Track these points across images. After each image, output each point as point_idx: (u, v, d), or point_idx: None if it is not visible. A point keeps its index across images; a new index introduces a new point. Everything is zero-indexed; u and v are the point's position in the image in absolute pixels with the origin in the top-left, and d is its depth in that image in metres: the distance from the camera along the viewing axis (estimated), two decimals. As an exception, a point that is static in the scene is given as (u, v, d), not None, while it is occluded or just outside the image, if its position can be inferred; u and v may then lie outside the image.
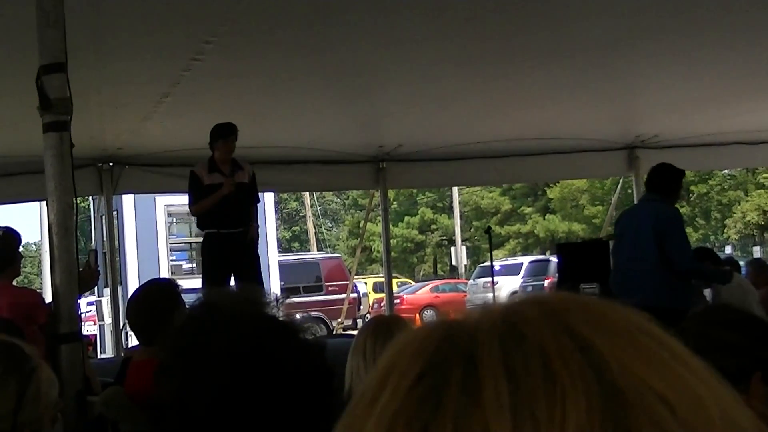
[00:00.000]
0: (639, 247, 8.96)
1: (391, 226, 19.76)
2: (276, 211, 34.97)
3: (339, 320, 24.77)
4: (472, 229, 62.91)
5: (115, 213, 19.00)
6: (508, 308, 0.80)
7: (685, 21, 8.77)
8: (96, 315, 25.80)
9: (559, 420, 0.69)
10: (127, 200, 26.55)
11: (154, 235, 28.83)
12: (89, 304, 26.65)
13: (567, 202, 57.47)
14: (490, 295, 25.31)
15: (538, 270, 37.20)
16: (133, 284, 21.55)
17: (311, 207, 61.69)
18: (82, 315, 18.47)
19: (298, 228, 69.61)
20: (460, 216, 58.91)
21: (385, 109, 12.47)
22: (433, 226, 65.35)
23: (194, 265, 31.80)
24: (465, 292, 39.33)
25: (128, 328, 5.64)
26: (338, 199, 76.63)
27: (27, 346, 3.26)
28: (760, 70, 11.01)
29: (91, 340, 22.48)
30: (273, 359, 1.85)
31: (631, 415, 0.70)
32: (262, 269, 10.86)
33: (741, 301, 9.52)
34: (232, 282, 10.17)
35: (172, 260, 29.92)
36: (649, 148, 15.24)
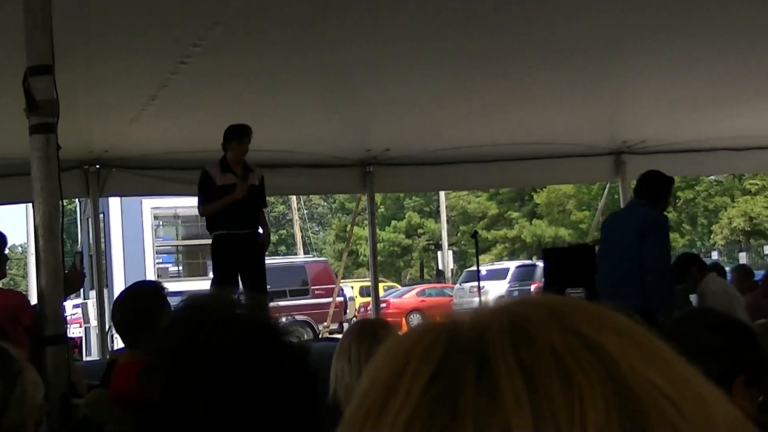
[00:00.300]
0: (624, 250, 8.96)
1: (377, 230, 19.74)
2: (263, 215, 34.82)
3: (325, 324, 24.73)
4: (458, 234, 62.90)
5: (101, 215, 18.97)
6: (510, 310, 0.80)
7: (671, 27, 8.79)
8: (82, 317, 25.75)
9: (579, 419, 0.70)
10: (114, 203, 26.55)
11: (140, 237, 28.82)
12: (75, 306, 26.58)
13: (554, 207, 57.53)
14: (477, 299, 25.31)
15: (525, 275, 37.19)
16: (119, 287, 21.47)
17: (298, 210, 61.58)
18: (68, 317, 18.44)
19: (284, 231, 69.51)
20: (447, 220, 58.89)
21: (373, 113, 12.49)
22: (420, 231, 65.34)
23: (180, 268, 31.80)
24: (451, 296, 39.32)
25: (114, 331, 5.63)
26: (325, 203, 76.58)
27: (12, 348, 3.25)
28: (746, 76, 11.04)
29: (76, 343, 22.39)
30: (257, 361, 1.86)
31: (646, 414, 0.71)
32: None
33: (726, 307, 9.54)
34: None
35: (158, 263, 29.91)
36: (635, 153, 15.27)
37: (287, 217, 64.69)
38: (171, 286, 6.46)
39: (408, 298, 40.54)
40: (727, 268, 12.83)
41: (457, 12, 8.08)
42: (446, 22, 8.31)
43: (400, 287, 48.47)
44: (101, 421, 4.91)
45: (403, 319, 35.88)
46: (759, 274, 14.12)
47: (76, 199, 23.63)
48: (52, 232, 5.34)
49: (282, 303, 25.29)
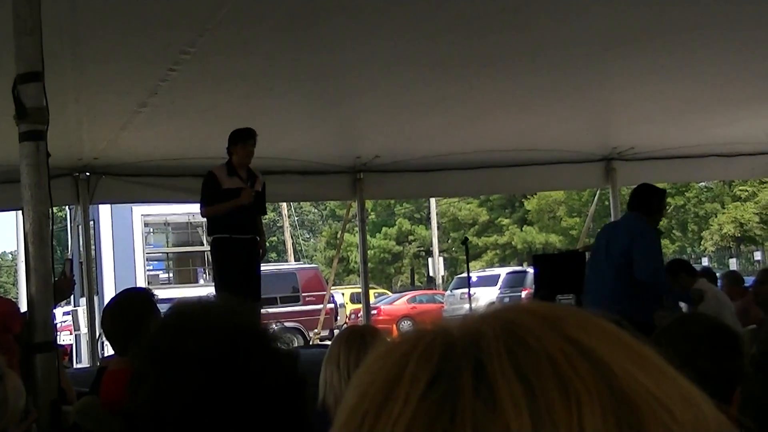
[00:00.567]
0: (614, 259, 9.00)
1: (368, 236, 19.74)
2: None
3: (316, 331, 24.72)
4: (449, 241, 62.92)
5: (91, 223, 18.93)
6: (501, 316, 0.80)
7: (660, 33, 8.80)
8: (72, 325, 25.69)
9: (576, 423, 0.70)
10: (104, 210, 26.55)
11: (130, 244, 28.79)
12: (65, 313, 26.53)
13: (544, 214, 57.59)
14: (467, 306, 25.31)
15: (516, 281, 37.22)
16: (109, 294, 21.45)
17: (288, 217, 61.53)
18: (58, 325, 18.40)
19: (275, 238, 69.43)
20: (438, 227, 58.92)
21: (363, 120, 12.48)
22: (411, 237, 65.36)
23: (171, 275, 31.77)
24: (442, 303, 39.32)
25: (104, 338, 5.62)
26: (316, 210, 76.54)
27: (-6, 355, 3.24)
28: (736, 83, 11.06)
29: (67, 350, 22.34)
30: (245, 366, 1.86)
31: (641, 418, 0.72)
32: None
33: (716, 314, 9.54)
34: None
35: (148, 270, 29.90)
36: (625, 160, 15.29)
37: (278, 224, 64.63)
38: (161, 293, 6.48)
39: (399, 305, 40.52)
40: (717, 274, 12.84)
41: (446, 19, 8.08)
42: (435, 29, 8.31)
43: (390, 294, 48.46)
44: (91, 428, 4.90)
45: (394, 325, 35.88)
46: (749, 280, 14.12)
47: (67, 206, 23.61)
48: (41, 239, 5.33)
49: (272, 310, 25.28)
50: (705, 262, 47.49)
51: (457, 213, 62.08)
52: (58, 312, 21.26)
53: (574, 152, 14.84)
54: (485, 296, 34.34)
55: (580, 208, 52.21)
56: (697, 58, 9.82)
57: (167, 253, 32.03)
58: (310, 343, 24.91)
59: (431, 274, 56.48)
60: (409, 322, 36.73)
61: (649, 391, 0.74)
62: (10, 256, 69.58)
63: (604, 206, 23.24)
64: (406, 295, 44.41)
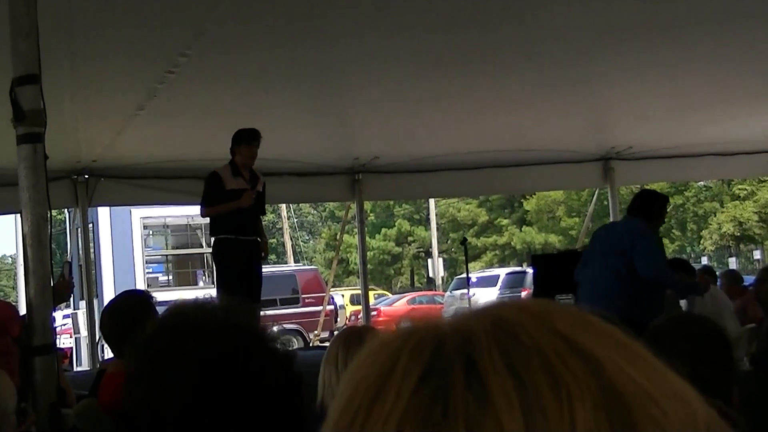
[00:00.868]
0: (612, 259, 8.99)
1: (367, 238, 19.76)
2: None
3: (316, 332, 24.68)
4: (449, 241, 62.88)
5: (90, 225, 18.92)
6: (492, 313, 0.80)
7: (658, 32, 8.81)
8: (72, 328, 25.67)
9: (568, 418, 0.71)
10: (103, 212, 26.52)
11: (129, 247, 28.78)
12: (65, 316, 26.50)
13: (543, 214, 57.57)
14: (467, 306, 25.27)
15: (515, 282, 37.18)
16: (108, 297, 21.35)
17: (288, 219, 61.55)
18: (58, 328, 18.38)
19: (274, 240, 69.37)
20: (437, 228, 58.89)
21: (361, 121, 12.49)
22: (410, 238, 65.30)
23: (170, 277, 31.76)
24: (442, 304, 39.29)
25: (104, 341, 5.62)
26: (315, 211, 76.49)
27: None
28: (733, 81, 11.07)
29: (66, 353, 22.32)
30: (242, 366, 1.86)
31: (632, 414, 0.72)
32: None
33: (715, 313, 9.55)
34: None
35: (148, 272, 29.87)
36: (623, 159, 15.29)
37: (277, 226, 64.59)
38: (160, 295, 6.47)
39: (398, 306, 40.47)
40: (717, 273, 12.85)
41: (444, 18, 8.09)
42: (432, 28, 8.32)
43: (390, 295, 48.47)
44: (90, 431, 4.90)
45: (394, 327, 35.79)
46: (748, 279, 14.13)
47: (65, 209, 23.61)
48: (40, 242, 5.33)
49: (272, 311, 25.26)
50: (704, 261, 47.51)
51: (456, 214, 62.05)
52: (58, 315, 21.25)
53: (572, 152, 14.85)
54: (485, 297, 34.28)
55: (579, 208, 52.16)
56: (694, 56, 9.82)
57: (166, 255, 31.99)
58: (310, 344, 24.89)
59: (431, 275, 56.42)
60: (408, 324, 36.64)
61: (641, 387, 0.74)
62: (10, 259, 69.53)
63: (603, 206, 23.21)
64: (405, 296, 44.41)
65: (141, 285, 27.36)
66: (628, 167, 15.28)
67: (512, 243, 59.26)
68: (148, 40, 8.06)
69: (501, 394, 0.72)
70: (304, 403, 1.94)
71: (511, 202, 60.78)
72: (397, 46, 8.76)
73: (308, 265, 42.13)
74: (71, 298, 17.26)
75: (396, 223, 65.06)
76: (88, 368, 15.21)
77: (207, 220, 11.07)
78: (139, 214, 28.15)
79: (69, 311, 25.93)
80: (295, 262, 52.87)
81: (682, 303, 10.49)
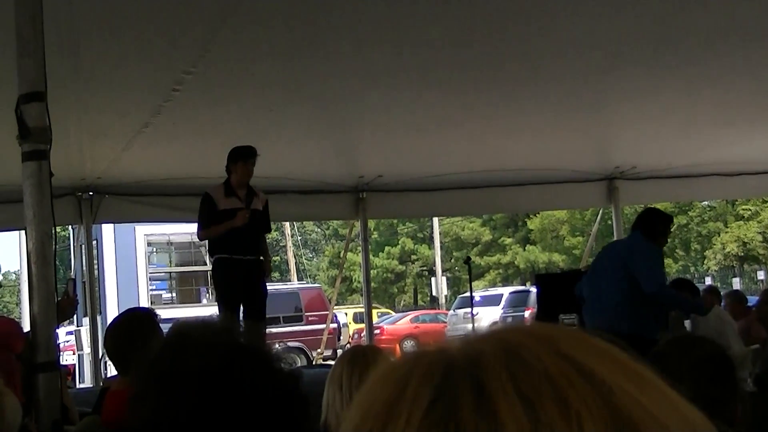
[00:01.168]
0: (615, 276, 9.00)
1: (371, 256, 19.75)
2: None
3: (319, 350, 24.68)
4: (452, 260, 62.87)
5: (94, 242, 18.93)
6: (500, 337, 0.81)
7: (662, 54, 8.82)
8: (75, 344, 25.66)
9: None
10: (107, 229, 26.49)
11: (133, 264, 28.75)
12: (68, 333, 26.51)
13: (547, 233, 57.53)
14: (470, 326, 25.27)
15: (519, 301, 37.09)
16: (112, 314, 21.43)
17: (291, 237, 61.52)
18: (61, 344, 18.38)
19: (278, 258, 69.36)
20: (441, 246, 58.84)
21: (365, 139, 12.49)
22: (414, 257, 65.25)
23: (174, 294, 31.74)
24: (445, 322, 39.21)
25: (107, 358, 5.61)
26: (319, 229, 76.48)
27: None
28: (737, 102, 11.07)
29: (69, 370, 22.33)
30: (246, 386, 1.86)
31: None
32: None
33: (719, 333, 9.54)
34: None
35: (151, 290, 29.85)
36: (628, 179, 15.29)
37: (281, 244, 64.57)
38: (164, 312, 6.47)
39: (402, 325, 40.37)
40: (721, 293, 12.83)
41: (447, 40, 8.10)
42: (437, 49, 8.33)
43: (393, 313, 48.35)
44: (93, 448, 4.89)
45: (397, 345, 35.76)
46: (752, 299, 14.11)
47: (70, 226, 23.63)
48: (44, 258, 5.33)
49: (275, 329, 25.23)
50: (708, 281, 47.45)
51: (460, 232, 62.04)
52: (61, 332, 21.26)
53: (576, 171, 14.84)
54: (488, 316, 34.26)
55: (583, 228, 52.18)
56: (698, 77, 9.83)
57: (170, 272, 31.99)
58: (313, 362, 24.88)
59: (434, 293, 56.35)
60: (412, 342, 36.63)
61: (647, 410, 0.74)
62: (14, 275, 69.50)
63: (607, 225, 23.24)
64: (409, 314, 44.28)
65: (144, 302, 27.36)
66: (633, 187, 15.28)
67: (516, 262, 59.21)
68: (153, 58, 8.07)
69: (511, 418, 0.72)
70: (309, 423, 1.94)
71: (514, 221, 60.77)
72: (402, 66, 8.77)
73: (311, 283, 42.08)
74: (74, 315, 17.25)
75: (399, 242, 65.05)
76: (91, 385, 15.18)
77: (208, 238, 11.01)
78: (143, 231, 28.14)
79: (72, 328, 25.94)
80: (298, 280, 52.80)
81: (687, 323, 10.48)
